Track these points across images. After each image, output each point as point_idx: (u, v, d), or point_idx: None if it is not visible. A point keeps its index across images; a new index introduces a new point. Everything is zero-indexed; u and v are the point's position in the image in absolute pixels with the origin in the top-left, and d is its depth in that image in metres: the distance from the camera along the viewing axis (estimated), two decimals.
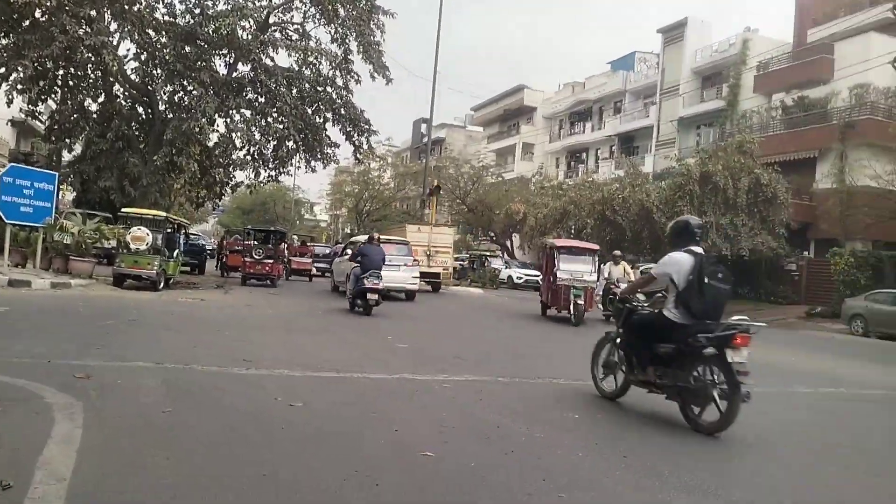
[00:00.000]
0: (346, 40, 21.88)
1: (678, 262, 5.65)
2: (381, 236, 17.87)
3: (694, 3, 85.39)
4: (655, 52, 44.15)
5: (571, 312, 14.90)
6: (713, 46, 38.38)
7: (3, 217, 14.11)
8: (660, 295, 6.04)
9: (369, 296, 13.51)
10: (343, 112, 22.46)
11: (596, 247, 18.04)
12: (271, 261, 20.76)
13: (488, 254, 40.24)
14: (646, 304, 6.20)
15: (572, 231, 34.51)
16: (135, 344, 7.66)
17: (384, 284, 14.83)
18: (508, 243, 44.93)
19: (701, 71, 39.23)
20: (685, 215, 7.80)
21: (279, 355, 7.81)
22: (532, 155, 53.97)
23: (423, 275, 20.77)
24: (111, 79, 20.31)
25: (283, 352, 8.16)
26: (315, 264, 28.32)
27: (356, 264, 14.20)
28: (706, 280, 5.48)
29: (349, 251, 18.07)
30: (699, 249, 5.73)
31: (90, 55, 17.71)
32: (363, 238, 18.21)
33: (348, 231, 57.74)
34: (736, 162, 27.05)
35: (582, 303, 14.92)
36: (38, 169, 16.62)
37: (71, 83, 20.51)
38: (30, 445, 3.73)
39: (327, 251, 32.19)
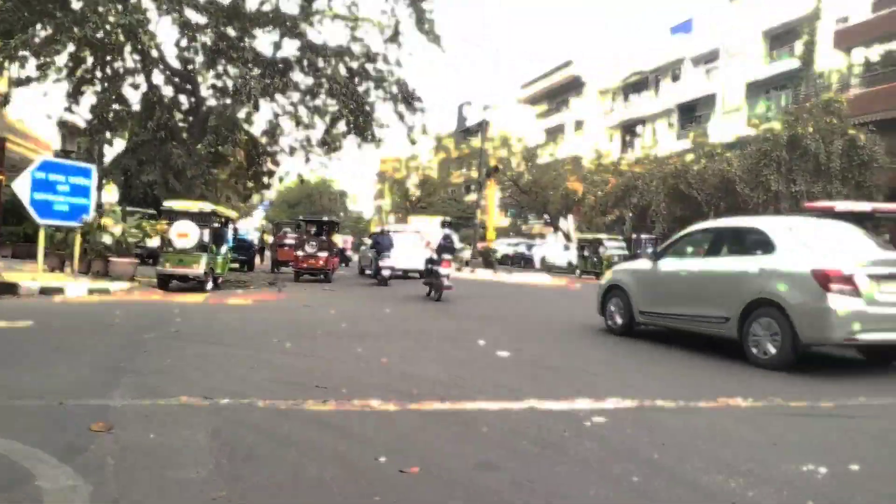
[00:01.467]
0: (395, 11, 20.07)
1: (436, 238, 15.22)
2: (398, 228, 26.26)
3: None
4: (718, 14, 40.98)
5: None
6: (782, 2, 35.18)
7: (35, 217, 12.78)
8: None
9: (382, 272, 18.67)
10: (395, 90, 20.66)
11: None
12: (326, 253, 19.27)
13: (604, 237, 30.09)
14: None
15: (633, 208, 32.01)
16: (177, 368, 6.02)
17: (403, 266, 20.97)
18: (563, 225, 42.66)
19: (770, 31, 36.08)
20: (441, 218, 18.03)
21: (359, 375, 6.08)
22: (584, 132, 51.25)
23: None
24: (150, 65, 18.94)
25: (363, 369, 6.42)
26: None
27: (374, 250, 19.65)
28: (442, 243, 14.36)
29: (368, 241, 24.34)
30: (447, 231, 15.44)
31: (126, 38, 16.30)
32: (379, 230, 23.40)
33: (394, 221, 56.20)
34: (827, 123, 24.42)
35: None
36: (72, 163, 15.27)
37: (109, 71, 19.22)
38: None
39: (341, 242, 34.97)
